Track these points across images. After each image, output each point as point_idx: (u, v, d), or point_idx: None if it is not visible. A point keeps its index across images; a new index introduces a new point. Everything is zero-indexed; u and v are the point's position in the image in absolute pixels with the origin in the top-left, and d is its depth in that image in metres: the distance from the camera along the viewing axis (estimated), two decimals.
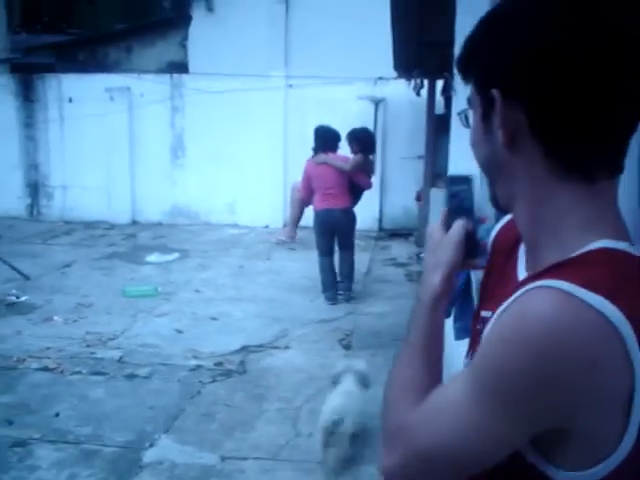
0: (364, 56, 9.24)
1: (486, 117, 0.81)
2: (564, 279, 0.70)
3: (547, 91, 0.74)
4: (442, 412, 0.79)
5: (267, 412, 4.16)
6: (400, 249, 8.86)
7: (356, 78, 9.52)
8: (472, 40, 0.82)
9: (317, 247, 6.57)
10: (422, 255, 7.22)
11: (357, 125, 8.52)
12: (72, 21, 17.73)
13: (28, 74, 10.59)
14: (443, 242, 0.94)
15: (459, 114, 0.92)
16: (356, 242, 9.22)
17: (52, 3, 18.29)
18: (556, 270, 0.74)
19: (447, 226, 0.95)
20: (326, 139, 6.44)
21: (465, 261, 0.94)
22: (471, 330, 0.98)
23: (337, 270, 6.61)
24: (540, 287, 0.71)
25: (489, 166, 0.86)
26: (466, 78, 0.85)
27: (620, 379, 0.69)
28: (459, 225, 0.94)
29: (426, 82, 8.19)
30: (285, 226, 9.02)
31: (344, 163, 6.39)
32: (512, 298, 0.74)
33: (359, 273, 7.54)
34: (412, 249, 8.64)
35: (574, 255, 0.75)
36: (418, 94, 8.25)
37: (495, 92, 0.78)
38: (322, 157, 6.38)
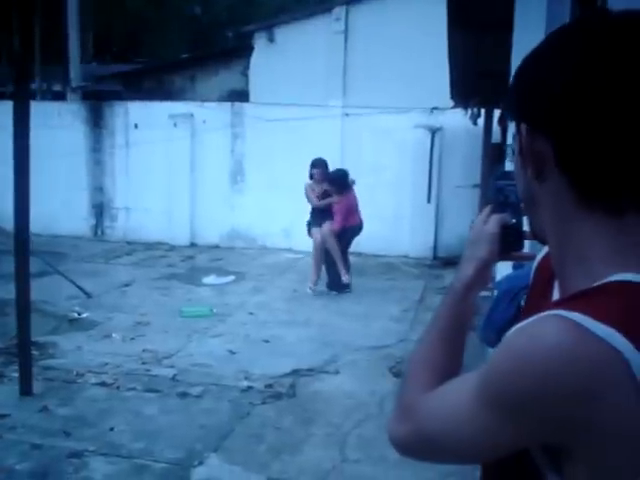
0: (421, 86, 9.31)
1: (521, 151, 0.85)
2: (576, 309, 0.72)
3: (570, 124, 0.76)
4: (449, 404, 0.84)
5: (315, 436, 4.18)
6: None
7: (413, 108, 9.58)
8: (512, 79, 0.87)
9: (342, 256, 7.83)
10: None
11: (413, 153, 8.72)
12: (140, 51, 18.50)
13: (97, 101, 11.09)
14: (479, 236, 0.99)
15: (506, 147, 0.96)
16: (409, 270, 9.30)
17: (121, 34, 19.12)
18: (573, 300, 0.76)
19: None
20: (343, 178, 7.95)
21: (506, 253, 0.99)
22: None
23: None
24: (552, 315, 0.73)
25: (525, 199, 0.89)
26: (509, 115, 0.89)
27: (631, 413, 0.69)
28: (494, 219, 0.98)
29: (483, 111, 8.17)
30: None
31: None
32: (530, 319, 0.75)
33: (413, 301, 7.54)
34: None
35: (592, 286, 0.76)
36: (475, 123, 8.24)
37: (522, 127, 0.82)
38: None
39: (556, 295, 0.89)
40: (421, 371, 0.94)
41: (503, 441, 0.78)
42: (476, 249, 0.99)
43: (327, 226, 7.83)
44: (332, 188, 7.89)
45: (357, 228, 8.02)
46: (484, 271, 0.98)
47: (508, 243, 0.98)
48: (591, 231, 0.79)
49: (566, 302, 0.76)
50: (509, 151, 0.95)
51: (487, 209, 1.01)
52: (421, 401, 0.89)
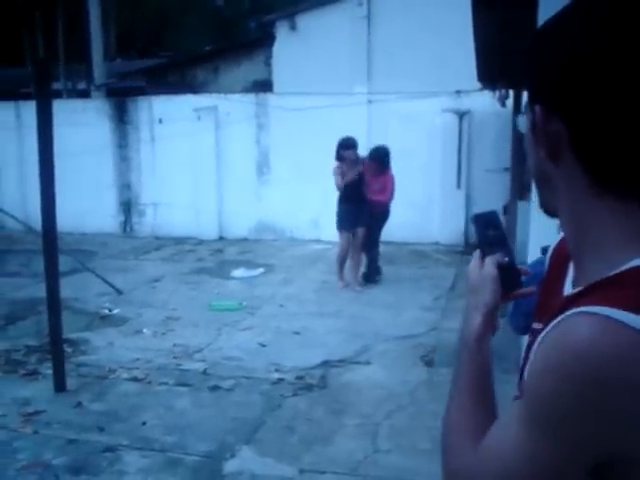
0: (447, 68, 9.16)
1: (534, 130, 0.82)
2: (602, 302, 0.69)
3: (585, 106, 0.73)
4: (498, 451, 0.79)
5: (346, 427, 4.14)
6: None
7: (440, 91, 9.44)
8: (524, 57, 0.84)
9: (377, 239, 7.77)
10: None
11: (442, 138, 8.65)
12: (163, 45, 18.58)
13: (122, 97, 11.16)
14: (479, 282, 0.95)
15: (518, 118, 0.92)
16: (440, 257, 9.19)
17: (144, 30, 19.24)
18: (595, 291, 0.73)
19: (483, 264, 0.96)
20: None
21: (507, 294, 0.95)
22: None
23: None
24: (579, 313, 0.70)
25: (536, 175, 0.87)
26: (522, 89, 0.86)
27: None
28: (491, 262, 0.94)
29: (511, 92, 8.00)
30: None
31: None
32: (553, 323, 0.73)
33: (444, 289, 7.44)
34: None
35: (613, 274, 0.74)
36: (503, 105, 8.07)
37: (537, 108, 0.79)
38: None
39: (569, 279, 0.87)
40: (459, 437, 0.90)
41: (563, 468, 0.72)
42: (479, 296, 0.95)
43: (362, 231, 7.52)
44: (373, 167, 7.45)
45: (386, 211, 7.74)
46: (491, 317, 0.95)
47: (507, 283, 0.95)
48: (607, 216, 0.77)
49: (589, 295, 0.73)
50: (519, 123, 0.91)
51: (476, 253, 0.98)
52: (468, 463, 0.85)
